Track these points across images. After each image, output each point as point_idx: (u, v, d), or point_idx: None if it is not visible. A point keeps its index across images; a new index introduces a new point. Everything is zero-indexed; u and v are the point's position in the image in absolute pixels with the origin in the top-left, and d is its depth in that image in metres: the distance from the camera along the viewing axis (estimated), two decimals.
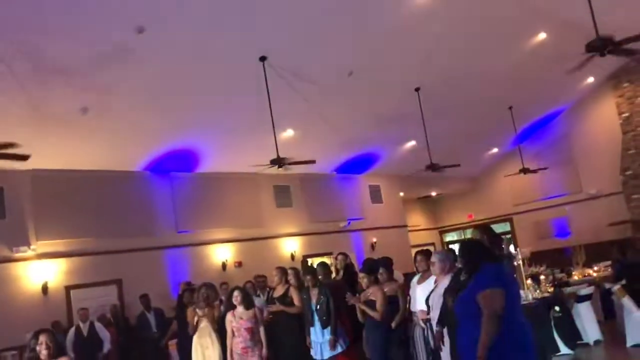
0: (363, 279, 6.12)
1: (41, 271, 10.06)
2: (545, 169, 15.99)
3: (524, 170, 15.11)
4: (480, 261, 3.98)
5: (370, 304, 5.92)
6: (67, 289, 10.35)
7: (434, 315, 5.00)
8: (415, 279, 6.13)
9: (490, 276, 3.88)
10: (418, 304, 5.83)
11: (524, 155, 16.05)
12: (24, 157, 6.98)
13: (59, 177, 10.48)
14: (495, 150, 17.83)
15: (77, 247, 10.53)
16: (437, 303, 4.91)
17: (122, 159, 10.99)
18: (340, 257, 7.99)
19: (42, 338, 4.19)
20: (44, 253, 10.14)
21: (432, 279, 5.79)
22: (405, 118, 12.58)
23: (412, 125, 12.58)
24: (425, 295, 5.75)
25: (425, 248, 6.91)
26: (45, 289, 10.02)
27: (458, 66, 11.65)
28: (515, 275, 5.20)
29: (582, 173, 16.81)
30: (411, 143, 14.65)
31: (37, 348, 4.18)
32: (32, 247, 9.98)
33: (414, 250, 14.44)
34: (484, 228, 5.48)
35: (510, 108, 14.55)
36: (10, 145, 7.17)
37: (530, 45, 12.00)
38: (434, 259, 5.14)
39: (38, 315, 9.59)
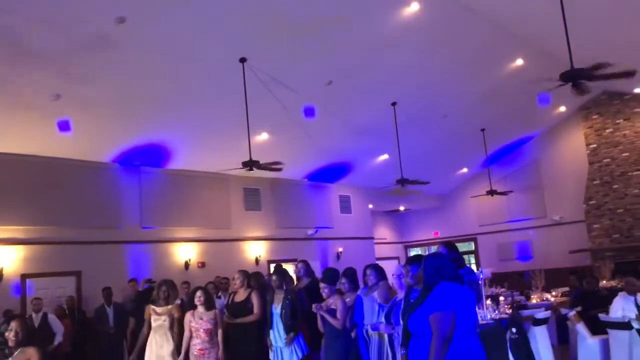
0: (324, 288, 6.13)
1: None
2: (510, 192, 16.31)
3: (491, 192, 15.38)
4: (438, 279, 3.96)
5: (332, 312, 5.92)
6: (23, 277, 10.08)
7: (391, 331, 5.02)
8: (362, 292, 6.10)
9: (443, 296, 3.82)
10: (366, 318, 5.78)
11: (493, 178, 16.35)
12: None
13: (22, 161, 10.22)
14: (464, 170, 18.10)
15: (36, 235, 10.28)
16: (396, 320, 4.93)
17: (91, 149, 10.79)
18: (300, 264, 7.93)
19: (14, 324, 4.16)
20: (0, 238, 9.87)
21: (376, 294, 5.79)
22: (380, 131, 12.69)
23: (386, 138, 12.70)
24: (371, 308, 5.75)
25: (376, 263, 6.90)
26: (0, 275, 9.75)
27: (435, 85, 11.84)
28: (476, 296, 5.23)
29: (547, 199, 17.19)
30: (384, 157, 14.77)
31: (6, 334, 4.14)
32: None
33: (378, 262, 14.55)
34: (449, 245, 5.54)
35: (482, 130, 14.80)
36: None
37: (507, 70, 12.26)
38: (394, 272, 5.16)
39: None
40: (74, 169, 10.90)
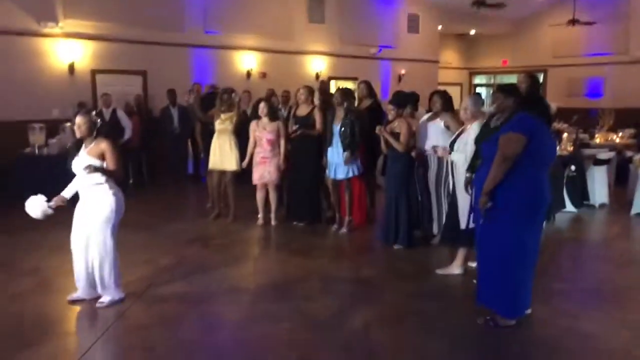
0: (391, 110, 6.05)
1: (68, 51, 10.02)
2: (594, 23, 15.00)
3: (573, 22, 14.20)
4: (518, 109, 3.89)
5: (395, 136, 5.93)
6: (93, 72, 10.40)
7: (455, 158, 5.00)
8: (426, 116, 6.06)
9: (517, 122, 3.83)
10: (430, 141, 5.77)
11: (577, 4, 14.92)
12: None
13: None
14: None
15: (104, 31, 10.35)
16: (462, 149, 4.88)
17: None
18: (362, 85, 7.76)
19: (77, 120, 4.29)
20: (71, 32, 10.00)
21: (443, 118, 5.75)
22: None
23: None
24: (435, 134, 5.75)
25: (443, 89, 6.71)
26: (72, 69, 10.06)
27: None
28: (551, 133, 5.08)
29: (632, 33, 15.79)
30: None
31: (74, 127, 4.35)
32: (59, 24, 9.81)
33: (440, 88, 14.26)
34: (531, 78, 5.25)
35: None
36: None
37: None
38: (466, 103, 5.01)
39: (64, 94, 9.79)
40: None
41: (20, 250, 6.08)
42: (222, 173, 7.30)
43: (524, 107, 3.95)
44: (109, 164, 4.26)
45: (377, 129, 6.04)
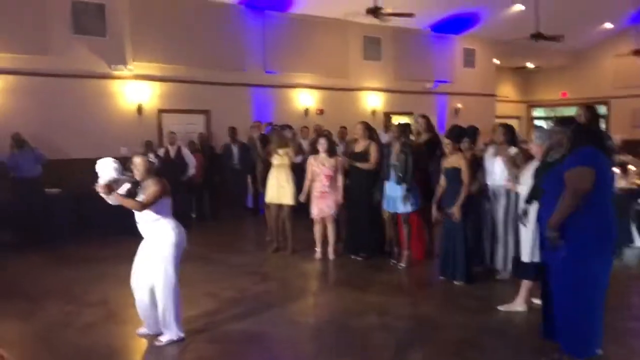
0: (448, 144, 6.06)
1: (136, 92, 10.57)
2: None
3: (638, 52, 13.84)
4: (580, 143, 3.83)
5: (454, 171, 5.91)
6: (160, 112, 10.92)
7: (522, 191, 4.95)
8: (492, 150, 6.03)
9: (583, 156, 3.74)
10: (495, 175, 5.79)
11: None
12: None
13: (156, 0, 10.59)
14: (608, 25, 16.26)
15: (170, 73, 10.90)
16: (526, 181, 4.84)
17: None
18: (420, 119, 7.79)
19: (135, 160, 4.41)
20: (139, 74, 10.58)
21: (506, 154, 5.70)
22: None
23: None
24: (500, 168, 5.74)
25: (507, 122, 6.68)
26: (140, 109, 10.60)
27: None
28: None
29: None
30: (518, 7, 13.54)
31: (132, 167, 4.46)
32: (128, 66, 10.39)
33: (498, 121, 14.06)
34: (590, 109, 5.16)
35: None
36: None
37: None
38: (532, 136, 4.97)
39: (133, 133, 10.29)
40: (203, 9, 11.16)
41: (88, 281, 6.35)
42: (280, 207, 7.46)
43: (581, 140, 3.88)
44: (144, 194, 4.32)
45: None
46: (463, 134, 6.24)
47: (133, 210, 4.38)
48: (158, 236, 4.41)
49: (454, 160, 5.96)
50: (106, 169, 4.45)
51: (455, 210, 5.84)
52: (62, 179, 9.08)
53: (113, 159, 4.51)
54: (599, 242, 3.76)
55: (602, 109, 17.74)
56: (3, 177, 8.40)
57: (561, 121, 4.18)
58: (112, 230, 8.02)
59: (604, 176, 3.74)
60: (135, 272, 4.51)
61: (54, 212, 8.68)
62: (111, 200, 4.38)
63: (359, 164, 6.99)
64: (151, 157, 4.53)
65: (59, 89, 9.71)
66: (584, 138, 3.83)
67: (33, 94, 9.49)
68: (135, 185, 4.44)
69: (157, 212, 4.37)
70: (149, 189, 4.32)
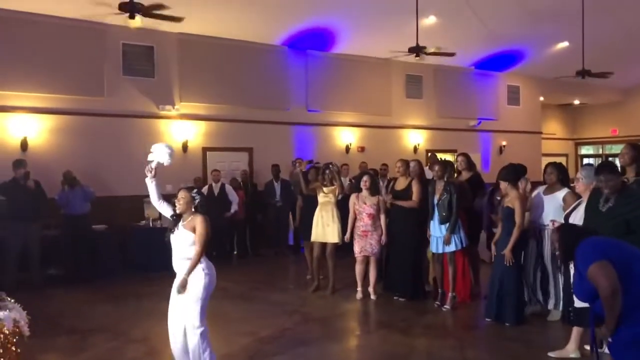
0: (506, 188, 5.90)
1: (182, 130, 10.83)
2: None
3: None
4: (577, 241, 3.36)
5: (510, 211, 5.77)
6: (204, 150, 11.14)
7: None
8: (542, 189, 5.91)
9: (584, 255, 3.23)
10: (547, 215, 5.64)
11: None
12: (178, 19, 7.24)
13: (203, 42, 10.95)
14: None
15: (215, 112, 11.15)
16: (578, 221, 4.68)
17: (264, 31, 11.16)
18: (460, 158, 7.66)
19: (180, 193, 4.44)
20: (185, 114, 10.85)
21: (561, 193, 5.61)
22: (562, 15, 11.38)
23: (568, 24, 11.41)
24: (553, 208, 5.60)
25: (558, 161, 6.52)
26: (185, 147, 10.83)
27: None
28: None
29: None
30: (563, 44, 13.39)
31: (175, 201, 4.46)
32: (175, 107, 10.68)
33: (544, 160, 13.76)
34: (635, 148, 4.97)
35: None
36: (161, 6, 7.50)
37: None
38: (580, 174, 4.83)
39: (178, 170, 10.38)
40: (247, 50, 11.43)
41: (132, 318, 6.41)
42: (324, 245, 7.40)
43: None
44: (196, 238, 4.31)
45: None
46: (519, 173, 6.08)
47: (174, 245, 4.38)
48: (190, 279, 4.33)
49: (509, 199, 5.82)
50: (161, 153, 4.54)
51: (507, 252, 5.68)
52: (109, 216, 9.31)
53: (169, 147, 4.60)
54: None
55: None
56: (54, 214, 8.65)
57: (608, 168, 4.06)
58: (154, 266, 8.12)
59: (619, 254, 3.20)
60: (170, 312, 4.46)
61: (100, 248, 8.87)
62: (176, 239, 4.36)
63: (401, 202, 6.90)
64: (194, 192, 4.56)
65: (108, 129, 10.05)
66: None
67: (84, 133, 9.83)
68: (177, 218, 4.46)
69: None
70: (198, 228, 4.31)
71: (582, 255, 3.26)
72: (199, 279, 4.33)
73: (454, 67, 14.17)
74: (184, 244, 4.33)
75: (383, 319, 6.42)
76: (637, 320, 3.09)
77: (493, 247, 6.03)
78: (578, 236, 3.38)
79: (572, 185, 5.64)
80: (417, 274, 7.04)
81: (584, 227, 3.92)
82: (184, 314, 4.36)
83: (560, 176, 5.71)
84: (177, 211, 4.44)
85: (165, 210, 4.55)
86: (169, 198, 4.63)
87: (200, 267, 4.35)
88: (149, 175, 4.51)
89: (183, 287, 4.24)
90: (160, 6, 7.46)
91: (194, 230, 4.34)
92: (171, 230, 4.42)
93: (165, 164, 4.56)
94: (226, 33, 10.94)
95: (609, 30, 12.21)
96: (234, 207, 10.04)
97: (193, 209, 4.44)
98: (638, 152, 5.07)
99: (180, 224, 4.42)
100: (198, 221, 4.34)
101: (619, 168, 4.82)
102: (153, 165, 4.50)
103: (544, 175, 6.05)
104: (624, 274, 3.09)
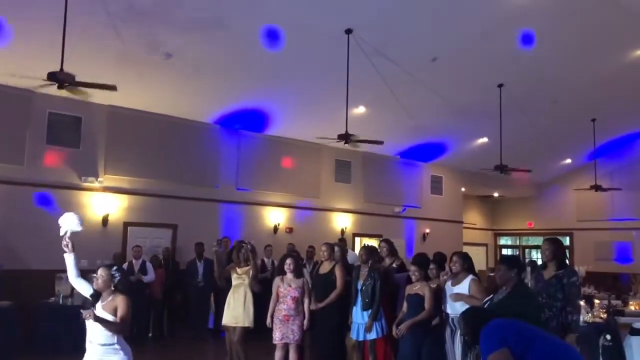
0: (415, 272, 6.02)
1: (104, 203, 10.47)
2: (619, 189, 15.28)
3: (596, 187, 14.49)
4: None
5: (418, 298, 5.84)
6: (126, 224, 10.75)
7: None
8: (447, 278, 5.97)
9: (486, 338, 3.38)
10: (452, 305, 5.67)
11: (598, 171, 15.34)
12: (112, 87, 7.12)
13: (134, 115, 10.83)
14: (568, 160, 17.16)
15: (140, 186, 10.90)
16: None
17: (195, 108, 11.21)
18: (382, 244, 7.78)
19: (100, 271, 4.29)
20: (108, 187, 10.53)
21: (466, 282, 5.66)
22: (482, 113, 12.20)
23: (487, 121, 12.22)
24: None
25: (464, 251, 6.74)
26: (105, 221, 10.43)
27: (546, 69, 11.14)
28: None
29: None
30: (483, 140, 14.26)
31: (94, 278, 4.32)
32: (99, 179, 10.37)
33: (465, 248, 14.21)
34: (554, 242, 5.22)
35: (593, 120, 13.87)
36: (91, 83, 7.40)
37: (629, 59, 11.31)
38: (498, 267, 4.97)
39: (96, 245, 9.98)
40: (178, 127, 11.40)
41: None
42: (234, 329, 7.09)
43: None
44: (118, 318, 4.12)
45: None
46: (429, 262, 6.23)
47: (89, 329, 4.13)
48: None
49: (419, 287, 5.90)
50: (70, 221, 4.37)
51: (403, 326, 5.72)
52: (15, 291, 8.65)
53: (77, 215, 4.46)
54: None
55: (566, 241, 18.17)
56: None
57: (506, 260, 4.25)
58: (64, 347, 7.54)
59: (519, 339, 3.33)
60: None
61: (2, 325, 8.16)
62: (86, 314, 4.08)
63: (327, 300, 6.75)
64: (114, 270, 4.36)
65: (25, 198, 9.57)
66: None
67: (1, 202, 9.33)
68: (95, 297, 4.24)
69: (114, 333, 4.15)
70: (121, 310, 4.12)
71: (483, 340, 3.41)
72: None
73: (381, 155, 14.69)
74: (102, 328, 4.08)
75: None
76: None
77: (395, 328, 6.02)
78: (481, 321, 3.52)
79: (490, 274, 5.81)
80: (339, 358, 6.87)
81: (487, 310, 4.00)
82: None
83: (465, 265, 5.83)
84: (96, 288, 4.25)
85: (85, 288, 4.33)
86: (85, 274, 4.42)
87: (122, 351, 4.15)
88: (66, 250, 4.30)
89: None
90: (91, 84, 7.34)
91: (114, 311, 4.13)
92: (87, 310, 4.14)
93: (78, 230, 4.41)
94: (158, 108, 10.91)
95: (523, 130, 13.16)
96: (147, 279, 9.52)
97: (112, 288, 4.25)
98: (557, 246, 5.33)
99: (99, 303, 4.20)
100: (120, 302, 4.15)
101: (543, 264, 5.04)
102: (67, 236, 4.30)
103: (449, 265, 6.17)
104: (524, 354, 3.25)
